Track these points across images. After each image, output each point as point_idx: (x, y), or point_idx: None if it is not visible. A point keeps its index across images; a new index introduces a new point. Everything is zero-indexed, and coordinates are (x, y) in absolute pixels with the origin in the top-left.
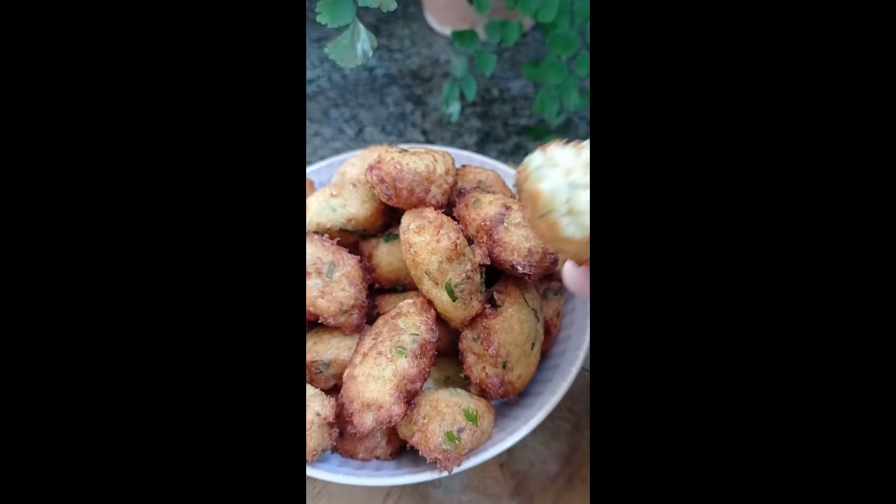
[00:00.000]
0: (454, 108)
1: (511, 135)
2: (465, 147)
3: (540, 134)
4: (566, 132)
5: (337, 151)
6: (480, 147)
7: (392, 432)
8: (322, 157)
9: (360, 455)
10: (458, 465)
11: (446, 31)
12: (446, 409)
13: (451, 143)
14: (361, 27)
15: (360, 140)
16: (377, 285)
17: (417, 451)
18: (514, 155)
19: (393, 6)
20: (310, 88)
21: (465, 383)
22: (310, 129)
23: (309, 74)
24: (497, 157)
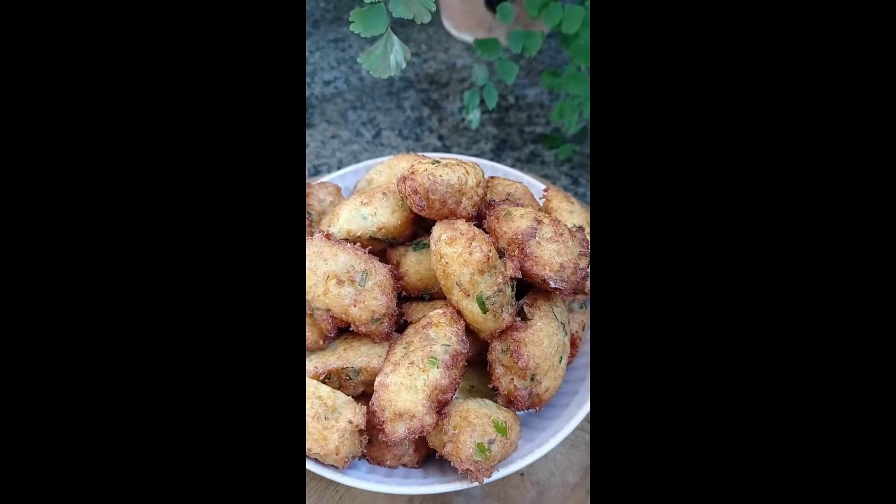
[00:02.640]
0: (475, 116)
1: (527, 142)
2: (480, 154)
3: (556, 142)
4: (581, 140)
5: (355, 154)
6: (496, 154)
7: (420, 441)
8: (340, 160)
9: (388, 462)
10: (489, 475)
11: (464, 36)
12: (476, 421)
13: (468, 150)
14: (395, 38)
15: (377, 143)
16: (404, 293)
17: (443, 459)
18: (530, 163)
19: (427, 18)
20: (327, 90)
21: (490, 393)
22: (327, 131)
23: (326, 76)
24: (513, 165)
